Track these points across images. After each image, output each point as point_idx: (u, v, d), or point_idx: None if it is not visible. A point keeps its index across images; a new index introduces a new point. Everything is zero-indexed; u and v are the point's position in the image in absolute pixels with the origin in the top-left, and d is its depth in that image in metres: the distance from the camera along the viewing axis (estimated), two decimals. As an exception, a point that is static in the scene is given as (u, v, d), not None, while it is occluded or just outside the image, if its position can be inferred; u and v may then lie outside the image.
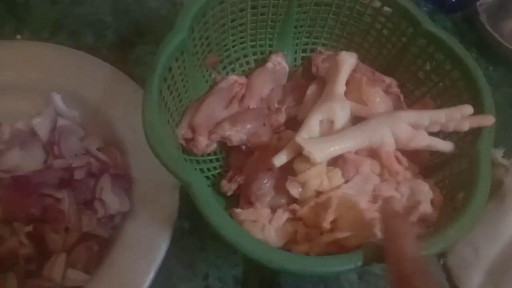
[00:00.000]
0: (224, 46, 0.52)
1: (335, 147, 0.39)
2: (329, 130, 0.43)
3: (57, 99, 0.48)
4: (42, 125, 0.46)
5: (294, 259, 0.31)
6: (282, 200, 0.42)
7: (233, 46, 0.53)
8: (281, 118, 0.49)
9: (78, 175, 0.42)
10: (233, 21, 0.50)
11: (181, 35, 0.42)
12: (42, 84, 0.49)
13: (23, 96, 0.49)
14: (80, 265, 0.38)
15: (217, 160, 0.49)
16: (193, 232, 0.44)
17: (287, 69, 0.55)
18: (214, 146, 0.46)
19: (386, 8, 0.49)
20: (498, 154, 0.50)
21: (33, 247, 0.37)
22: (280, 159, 0.41)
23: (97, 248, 0.39)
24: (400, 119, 0.41)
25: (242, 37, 0.53)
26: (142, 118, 0.37)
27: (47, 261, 0.37)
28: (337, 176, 0.40)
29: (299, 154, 0.40)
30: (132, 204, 0.42)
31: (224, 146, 0.48)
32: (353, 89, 0.47)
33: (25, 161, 0.43)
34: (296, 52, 0.56)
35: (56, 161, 0.42)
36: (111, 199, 0.41)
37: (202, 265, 0.43)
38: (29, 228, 0.37)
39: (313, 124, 0.43)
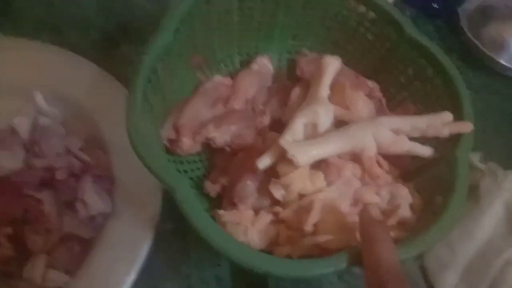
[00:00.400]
0: (210, 46, 0.52)
1: (318, 151, 0.40)
2: (312, 134, 0.43)
3: (38, 97, 0.48)
4: (22, 124, 0.46)
5: (277, 263, 0.32)
6: (265, 202, 0.42)
7: (219, 47, 0.53)
8: (266, 120, 0.49)
9: (60, 175, 0.41)
10: (219, 22, 0.50)
11: (167, 36, 0.42)
12: (22, 82, 0.49)
13: (3, 95, 0.48)
14: (61, 266, 0.38)
15: (201, 161, 0.49)
16: (176, 233, 0.44)
17: (272, 71, 0.55)
18: (198, 147, 0.46)
19: (371, 14, 0.50)
20: (475, 158, 0.52)
21: (13, 248, 0.36)
22: (264, 162, 0.41)
23: (78, 249, 0.39)
24: (382, 124, 0.41)
25: (227, 38, 0.53)
26: (126, 120, 0.37)
27: (27, 262, 0.36)
28: (319, 180, 0.40)
29: (282, 157, 0.40)
30: (114, 205, 0.42)
31: (208, 147, 0.48)
32: (336, 93, 0.48)
33: (5, 160, 0.42)
34: (281, 54, 0.57)
35: (37, 160, 0.42)
36: (93, 200, 0.41)
37: (184, 265, 0.43)
38: (9, 229, 0.37)
39: (297, 127, 0.43)
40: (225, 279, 0.43)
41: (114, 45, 0.56)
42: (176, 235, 0.44)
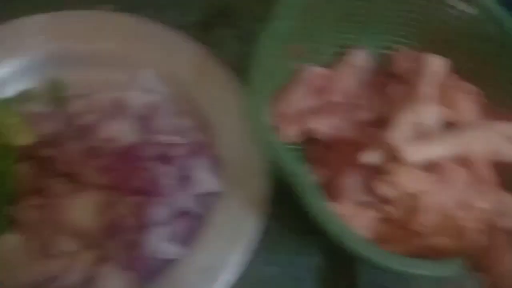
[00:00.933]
0: (309, 35, 0.52)
1: (430, 151, 0.40)
2: (418, 133, 0.43)
3: (148, 74, 0.49)
4: (136, 98, 0.47)
5: (398, 259, 0.32)
6: (369, 199, 0.42)
7: (317, 36, 0.53)
8: (365, 115, 0.49)
9: (175, 151, 0.42)
10: (321, 11, 0.50)
11: (281, 24, 0.43)
12: (131, 57, 0.51)
13: (112, 68, 0.51)
14: (177, 239, 0.40)
15: (296, 150, 0.49)
16: (276, 218, 0.45)
17: (367, 65, 0.55)
18: (298, 136, 0.47)
19: (472, 10, 0.49)
20: None
21: (135, 218, 0.38)
22: (369, 157, 0.41)
23: (191, 224, 0.41)
24: (496, 130, 0.41)
25: (325, 28, 0.53)
26: (246, 108, 0.38)
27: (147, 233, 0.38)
28: (427, 180, 0.40)
29: (389, 154, 0.41)
30: (222, 185, 0.44)
31: (304, 137, 0.48)
32: (439, 94, 0.47)
33: (122, 133, 0.44)
34: (375, 49, 0.56)
35: (154, 137, 0.44)
36: (204, 178, 0.43)
37: (285, 250, 0.44)
38: (132, 199, 0.38)
39: (404, 126, 0.43)
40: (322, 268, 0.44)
41: (211, 28, 0.56)
42: (277, 220, 0.44)
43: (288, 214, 0.46)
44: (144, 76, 0.50)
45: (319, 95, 0.51)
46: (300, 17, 0.46)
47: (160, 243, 0.39)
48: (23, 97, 0.49)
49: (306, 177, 0.36)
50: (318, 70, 0.52)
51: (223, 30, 0.57)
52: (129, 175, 0.40)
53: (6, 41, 0.48)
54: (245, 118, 0.38)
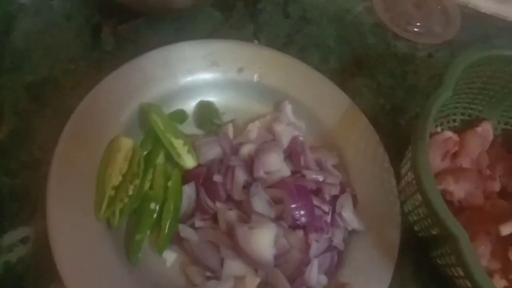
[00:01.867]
0: (446, 103, 0.55)
1: None
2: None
3: (288, 108, 0.53)
4: (284, 132, 0.50)
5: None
6: (496, 265, 0.44)
7: (451, 105, 0.56)
8: (496, 185, 0.52)
9: (329, 190, 0.46)
10: (462, 84, 0.53)
11: (447, 93, 0.46)
12: (276, 90, 0.54)
13: (256, 97, 0.55)
14: (321, 270, 0.43)
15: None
16: (405, 267, 0.47)
17: (492, 136, 0.58)
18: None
19: None
20: None
21: (299, 251, 0.41)
22: (507, 229, 0.44)
23: (333, 258, 0.44)
24: None
25: (458, 98, 0.56)
26: (415, 164, 0.41)
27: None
28: None
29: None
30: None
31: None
32: None
33: (278, 166, 0.47)
34: (500, 123, 0.59)
35: (308, 172, 0.47)
36: (351, 217, 0.46)
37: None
38: (297, 232, 0.42)
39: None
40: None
41: (349, 76, 0.60)
42: (403, 268, 0.47)
43: (413, 264, 0.48)
44: (287, 109, 0.53)
45: (452, 159, 0.54)
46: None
47: (317, 274, 0.42)
48: (179, 116, 0.52)
49: (465, 239, 0.38)
50: (450, 134, 0.55)
51: (359, 79, 0.61)
52: (300, 210, 0.43)
53: (171, 62, 0.51)
54: (415, 171, 0.41)
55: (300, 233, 0.43)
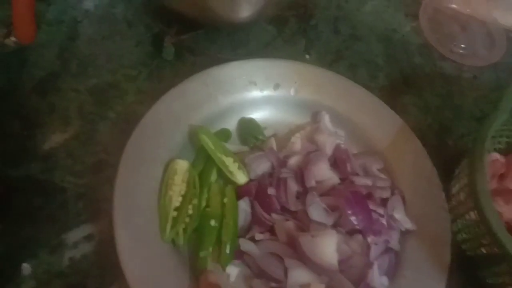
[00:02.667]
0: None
1: None
2: None
3: (326, 118, 0.55)
4: (326, 142, 0.52)
5: None
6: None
7: (500, 127, 0.57)
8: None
9: (381, 193, 0.48)
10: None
11: (504, 116, 0.47)
12: (312, 101, 0.56)
13: (294, 110, 0.57)
14: (381, 271, 0.44)
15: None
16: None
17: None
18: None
19: None
20: None
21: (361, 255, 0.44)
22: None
23: (391, 259, 0.45)
24: None
25: (509, 121, 0.57)
26: (474, 185, 0.42)
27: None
28: None
29: None
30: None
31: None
32: None
33: (327, 175, 0.49)
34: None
35: (357, 178, 0.48)
36: (402, 218, 0.47)
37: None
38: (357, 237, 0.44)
39: None
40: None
41: (397, 94, 0.62)
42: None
43: (460, 281, 0.49)
44: (325, 118, 0.55)
45: (499, 181, 0.55)
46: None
47: (378, 277, 0.43)
48: (224, 135, 0.53)
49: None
50: (496, 156, 0.56)
51: (407, 97, 0.62)
52: (358, 216, 0.44)
53: (211, 84, 0.53)
54: (473, 192, 0.42)
55: (359, 237, 0.44)
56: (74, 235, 0.46)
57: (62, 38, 0.58)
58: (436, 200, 0.50)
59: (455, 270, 0.48)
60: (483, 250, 0.48)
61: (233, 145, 0.53)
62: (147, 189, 0.45)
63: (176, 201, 0.45)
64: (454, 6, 0.73)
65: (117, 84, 0.55)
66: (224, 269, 0.44)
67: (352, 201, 0.44)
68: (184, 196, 0.45)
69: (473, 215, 0.47)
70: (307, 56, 0.63)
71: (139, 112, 0.49)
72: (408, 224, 0.48)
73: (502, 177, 0.56)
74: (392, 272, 0.45)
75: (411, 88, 0.64)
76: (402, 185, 0.52)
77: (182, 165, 0.47)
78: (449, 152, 0.58)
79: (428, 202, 0.50)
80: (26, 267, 0.43)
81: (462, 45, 0.70)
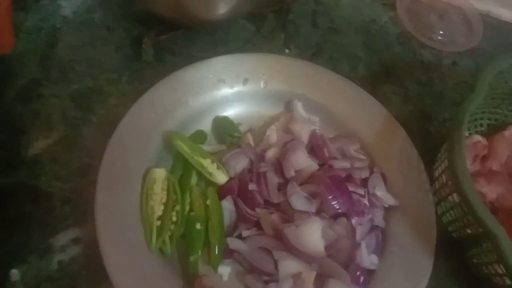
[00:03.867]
0: (474, 109, 0.57)
1: None
2: None
3: (299, 106, 0.55)
4: (302, 130, 0.53)
5: None
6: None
7: (478, 110, 0.58)
8: (526, 188, 0.53)
9: (359, 174, 0.49)
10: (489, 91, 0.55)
11: (480, 99, 0.48)
12: (283, 91, 0.57)
13: (266, 102, 0.57)
14: (370, 250, 0.45)
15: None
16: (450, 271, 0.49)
17: (518, 141, 0.59)
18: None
19: None
20: None
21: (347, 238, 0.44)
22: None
23: (378, 237, 0.46)
24: None
25: (489, 103, 0.58)
26: (453, 167, 0.43)
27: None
28: None
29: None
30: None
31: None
32: None
33: (305, 163, 0.50)
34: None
35: (335, 162, 0.49)
36: (384, 194, 0.48)
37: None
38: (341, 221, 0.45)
39: None
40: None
41: (378, 84, 0.62)
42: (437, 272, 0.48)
43: (448, 264, 0.50)
44: (297, 106, 0.55)
45: (481, 163, 0.55)
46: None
47: (367, 256, 0.44)
48: (200, 137, 0.53)
49: (505, 237, 0.40)
50: (478, 138, 0.57)
51: (388, 87, 0.63)
52: (339, 200, 0.45)
53: (179, 88, 0.53)
54: (453, 174, 0.43)
55: (343, 220, 0.45)
56: (62, 238, 0.46)
57: (42, 45, 0.58)
58: (418, 180, 0.51)
59: (442, 252, 0.48)
60: (468, 231, 0.48)
61: (210, 146, 0.53)
62: (128, 202, 0.45)
63: (158, 210, 0.45)
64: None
65: (99, 89, 0.56)
66: (216, 270, 0.44)
67: (331, 186, 0.45)
68: (165, 204, 0.45)
69: (455, 196, 0.48)
70: (287, 51, 0.63)
71: (121, 114, 0.50)
72: (390, 201, 0.49)
73: (484, 158, 0.57)
74: (380, 249, 0.46)
75: (391, 77, 0.64)
76: (385, 168, 0.53)
77: (159, 174, 0.47)
78: (432, 137, 0.59)
79: (410, 182, 0.51)
80: (14, 273, 0.44)
81: (441, 32, 0.71)
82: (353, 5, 0.71)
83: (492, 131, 0.60)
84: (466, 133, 0.60)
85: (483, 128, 0.61)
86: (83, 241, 0.46)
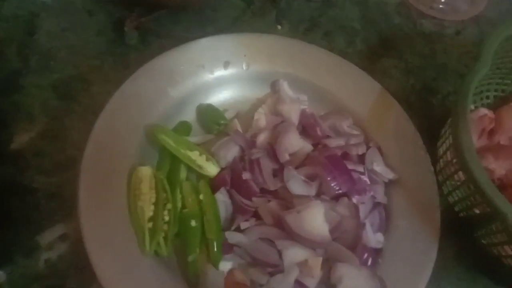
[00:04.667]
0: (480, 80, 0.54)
1: None
2: None
3: (285, 85, 0.52)
4: (291, 110, 0.50)
5: None
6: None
7: (484, 81, 0.55)
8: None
9: (355, 150, 0.46)
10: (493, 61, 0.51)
11: (485, 69, 0.45)
12: (266, 71, 0.54)
13: (250, 85, 0.54)
14: (376, 228, 0.43)
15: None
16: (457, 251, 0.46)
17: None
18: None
19: None
20: None
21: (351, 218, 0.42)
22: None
23: (381, 214, 0.44)
24: None
25: (496, 74, 0.55)
26: (458, 143, 0.40)
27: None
28: None
29: None
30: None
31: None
32: None
33: (298, 144, 0.47)
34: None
35: (330, 141, 0.47)
36: (382, 169, 0.46)
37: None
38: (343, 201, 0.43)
39: None
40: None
41: (376, 58, 0.59)
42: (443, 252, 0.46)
43: (455, 244, 0.47)
44: (284, 86, 0.52)
45: (488, 137, 0.52)
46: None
47: (373, 235, 0.42)
48: (184, 128, 0.50)
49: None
50: (485, 112, 0.54)
51: (387, 60, 0.60)
52: (339, 180, 0.43)
53: (158, 77, 0.50)
54: (458, 151, 0.40)
55: (345, 200, 0.43)
56: (49, 235, 0.44)
57: (20, 34, 0.55)
58: (416, 154, 0.49)
59: (449, 232, 0.46)
60: (476, 211, 0.46)
61: (196, 137, 0.50)
62: (114, 206, 0.42)
63: (149, 210, 0.42)
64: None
65: (81, 76, 0.53)
66: (217, 267, 0.42)
67: (329, 166, 0.43)
68: (155, 204, 0.42)
69: (461, 175, 0.45)
70: (279, 27, 0.60)
71: (106, 102, 0.47)
72: (390, 175, 0.47)
73: (491, 132, 0.54)
74: (385, 226, 0.44)
75: (391, 50, 0.61)
76: (380, 142, 0.50)
77: (145, 172, 0.43)
78: (435, 112, 0.56)
79: (407, 156, 0.49)
80: (0, 274, 0.42)
81: (442, 0, 0.67)
82: (349, -24, 0.67)
83: (499, 103, 0.57)
84: (472, 106, 0.56)
85: (489, 101, 0.58)
86: (70, 238, 0.44)
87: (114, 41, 0.56)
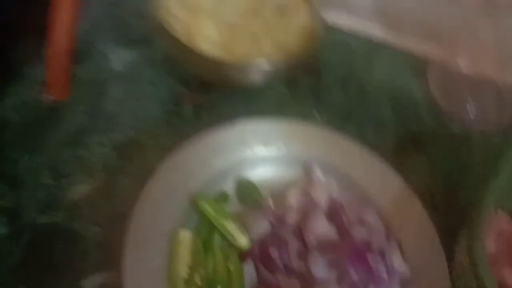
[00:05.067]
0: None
1: None
2: None
3: (318, 170, 0.58)
4: (321, 196, 0.55)
5: None
6: None
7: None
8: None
9: (376, 244, 0.50)
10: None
11: (501, 183, 0.49)
12: (302, 156, 0.60)
13: (286, 166, 0.60)
14: None
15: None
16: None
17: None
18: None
19: None
20: None
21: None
22: None
23: None
24: None
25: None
26: (472, 253, 0.43)
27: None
28: None
29: None
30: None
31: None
32: None
33: (325, 230, 0.51)
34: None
35: (355, 231, 0.51)
36: (400, 263, 0.50)
37: None
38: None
39: None
40: None
41: (405, 154, 0.64)
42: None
43: None
44: (316, 171, 0.57)
45: (506, 242, 0.55)
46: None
47: None
48: (222, 199, 0.56)
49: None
50: (505, 216, 0.57)
51: (415, 157, 0.64)
52: (360, 274, 0.46)
53: (204, 151, 0.57)
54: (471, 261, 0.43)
55: None
56: (90, 282, 0.49)
57: (91, 96, 0.63)
58: (434, 256, 0.52)
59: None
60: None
61: (233, 207, 0.56)
62: (155, 265, 0.47)
63: (184, 272, 0.47)
64: (462, 66, 0.75)
65: (139, 140, 0.60)
66: None
67: (353, 258, 0.46)
68: (190, 267, 0.48)
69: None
70: (317, 114, 0.66)
71: (157, 166, 0.53)
72: (407, 273, 0.50)
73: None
74: None
75: (419, 148, 0.66)
76: (400, 238, 0.54)
77: (185, 235, 0.49)
78: (457, 213, 0.59)
79: (425, 256, 0.52)
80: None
81: (472, 109, 0.72)
82: (383, 72, 0.74)
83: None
84: (492, 208, 0.59)
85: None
86: (110, 287, 0.48)
87: (171, 112, 0.63)
